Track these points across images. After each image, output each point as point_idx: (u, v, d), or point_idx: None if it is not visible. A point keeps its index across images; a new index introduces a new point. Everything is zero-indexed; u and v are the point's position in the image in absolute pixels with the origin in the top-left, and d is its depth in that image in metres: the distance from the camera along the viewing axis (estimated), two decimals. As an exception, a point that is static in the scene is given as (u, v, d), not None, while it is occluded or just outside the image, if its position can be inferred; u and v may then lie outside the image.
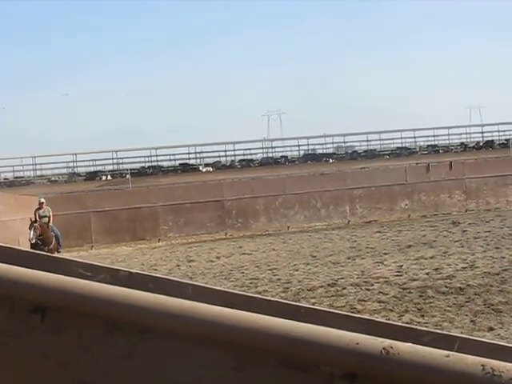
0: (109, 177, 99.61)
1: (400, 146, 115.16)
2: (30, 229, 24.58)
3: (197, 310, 1.69)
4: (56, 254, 25.15)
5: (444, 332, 1.69)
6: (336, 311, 1.77)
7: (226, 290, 1.81)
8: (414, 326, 1.71)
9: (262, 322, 1.65)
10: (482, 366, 1.52)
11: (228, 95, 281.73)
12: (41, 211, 26.04)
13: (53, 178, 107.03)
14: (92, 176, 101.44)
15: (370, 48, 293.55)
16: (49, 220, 25.78)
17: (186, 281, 1.82)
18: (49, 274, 1.79)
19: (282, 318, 1.68)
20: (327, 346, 1.61)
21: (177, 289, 1.78)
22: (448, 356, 1.55)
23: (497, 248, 21.45)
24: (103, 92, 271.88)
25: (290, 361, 1.64)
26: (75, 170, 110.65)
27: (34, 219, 25.00)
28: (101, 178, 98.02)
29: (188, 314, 1.68)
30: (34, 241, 24.26)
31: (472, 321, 13.40)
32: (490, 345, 1.65)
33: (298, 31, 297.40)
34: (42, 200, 26.86)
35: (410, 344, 1.59)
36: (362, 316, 1.76)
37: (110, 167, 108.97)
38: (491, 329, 12.75)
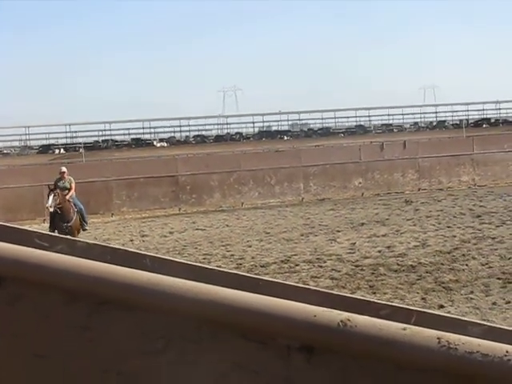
0: (62, 150, 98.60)
1: (355, 124, 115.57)
2: (48, 195, 21.25)
3: (154, 281, 1.68)
4: (79, 233, 21.52)
5: (401, 305, 1.71)
6: (294, 284, 1.77)
7: (184, 261, 1.81)
8: (371, 299, 1.73)
9: (219, 293, 1.65)
10: (438, 339, 1.54)
11: (183, 70, 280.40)
12: (61, 182, 22.27)
13: (5, 151, 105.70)
14: (45, 149, 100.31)
15: (327, 28, 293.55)
16: (69, 192, 22.04)
17: (144, 252, 1.81)
18: (5, 243, 1.77)
19: (240, 290, 1.68)
20: (285, 318, 1.61)
21: (135, 260, 1.77)
22: (405, 329, 1.56)
23: (448, 227, 21.72)
24: (67, 64, 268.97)
25: (248, 333, 1.65)
26: (28, 143, 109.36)
27: (52, 187, 21.54)
28: (54, 152, 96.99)
29: (146, 285, 1.68)
30: (52, 209, 21.04)
31: (423, 298, 13.58)
32: (445, 318, 1.67)
33: (255, 8, 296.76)
34: (64, 169, 23.23)
35: (368, 317, 1.60)
36: (320, 289, 1.76)
37: (64, 141, 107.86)
38: (441, 306, 12.94)
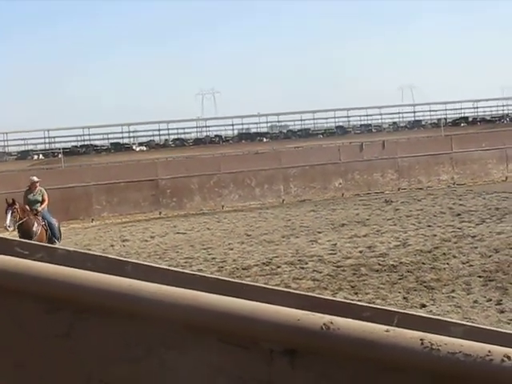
0: (41, 156, 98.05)
1: (334, 125, 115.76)
2: (6, 213, 18.71)
3: (136, 287, 1.67)
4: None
5: (383, 307, 1.71)
6: (276, 288, 1.77)
7: (166, 267, 1.80)
8: (353, 302, 1.73)
9: (202, 299, 1.65)
10: (421, 340, 1.54)
11: (160, 74, 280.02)
12: (31, 195, 19.79)
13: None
14: (23, 155, 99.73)
15: (305, 29, 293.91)
16: (41, 205, 19.64)
17: (125, 259, 1.80)
18: (-16, 252, 1.75)
19: (222, 295, 1.67)
20: (267, 322, 1.61)
21: (116, 267, 1.76)
22: (387, 331, 1.56)
23: (428, 226, 21.79)
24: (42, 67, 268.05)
25: (231, 338, 1.64)
26: (6, 149, 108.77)
27: (10, 201, 18.87)
28: (32, 158, 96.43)
29: (127, 291, 1.67)
30: (11, 228, 18.67)
31: (405, 298, 13.60)
32: (428, 319, 1.68)
33: (231, 9, 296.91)
34: (35, 179, 20.18)
35: (350, 319, 1.60)
36: (303, 292, 1.76)
37: (42, 146, 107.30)
38: (423, 305, 12.96)
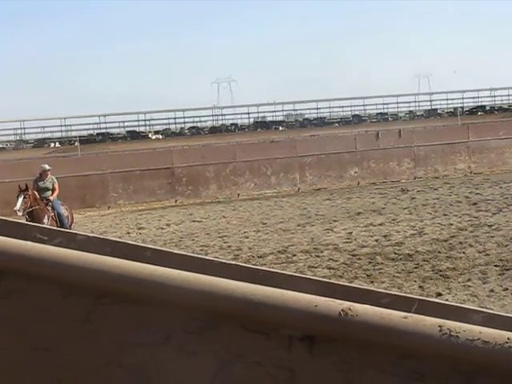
0: (57, 144, 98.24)
1: (350, 113, 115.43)
2: (18, 197, 18.66)
3: (155, 273, 1.68)
4: None
5: (402, 294, 1.71)
6: (294, 274, 1.77)
7: (185, 253, 1.81)
8: (372, 288, 1.73)
9: (221, 285, 1.65)
10: (440, 326, 1.54)
11: (178, 62, 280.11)
12: (41, 182, 19.74)
13: (0, 146, 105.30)
14: (40, 143, 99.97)
15: (322, 17, 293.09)
16: (52, 193, 19.67)
17: (144, 244, 1.81)
18: (4, 238, 1.76)
19: (241, 281, 1.67)
20: (286, 308, 1.61)
21: (135, 252, 1.77)
22: (406, 317, 1.56)
23: (445, 215, 21.72)
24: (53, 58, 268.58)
25: (250, 324, 1.65)
26: (23, 137, 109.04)
27: (24, 187, 18.81)
28: (49, 145, 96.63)
29: (146, 277, 1.67)
30: (20, 213, 18.34)
31: (420, 286, 13.58)
32: (446, 306, 1.67)
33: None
34: (47, 167, 20.11)
35: (369, 306, 1.60)
36: (321, 278, 1.76)
37: (59, 134, 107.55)
38: (439, 294, 12.94)
